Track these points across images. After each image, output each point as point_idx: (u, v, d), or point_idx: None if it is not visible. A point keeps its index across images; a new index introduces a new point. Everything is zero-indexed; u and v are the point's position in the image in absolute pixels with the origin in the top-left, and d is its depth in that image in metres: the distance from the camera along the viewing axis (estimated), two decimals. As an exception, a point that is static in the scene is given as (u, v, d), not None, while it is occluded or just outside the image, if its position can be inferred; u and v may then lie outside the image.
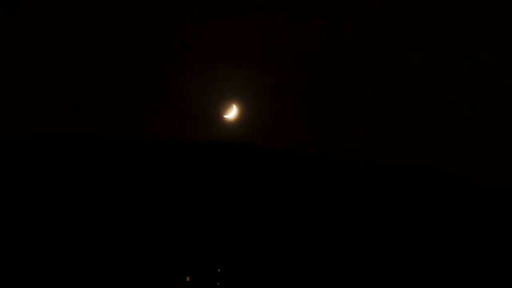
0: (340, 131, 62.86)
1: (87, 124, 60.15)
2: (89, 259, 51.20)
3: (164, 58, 62.57)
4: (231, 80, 61.99)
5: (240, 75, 62.10)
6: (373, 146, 61.97)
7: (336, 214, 58.12)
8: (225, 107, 60.82)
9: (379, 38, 61.80)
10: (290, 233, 56.24)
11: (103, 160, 58.64)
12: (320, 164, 62.78)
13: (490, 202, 59.86)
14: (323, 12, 61.71)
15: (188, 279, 53.04)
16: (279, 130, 63.40)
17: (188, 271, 53.38)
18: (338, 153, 62.53)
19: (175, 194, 57.95)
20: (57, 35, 60.72)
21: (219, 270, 53.49)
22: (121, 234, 53.95)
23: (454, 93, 62.68)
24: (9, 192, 53.55)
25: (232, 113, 60.40)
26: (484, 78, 62.65)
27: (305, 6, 61.76)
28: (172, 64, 62.88)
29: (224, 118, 61.26)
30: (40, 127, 60.27)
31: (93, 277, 50.66)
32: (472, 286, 53.45)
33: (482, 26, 60.47)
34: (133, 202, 56.54)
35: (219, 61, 62.26)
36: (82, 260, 50.96)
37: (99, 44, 61.95)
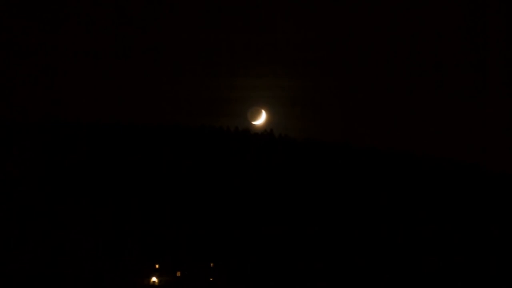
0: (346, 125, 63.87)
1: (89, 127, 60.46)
2: (87, 257, 51.50)
3: (164, 58, 63.12)
4: (231, 79, 62.62)
5: (240, 75, 62.76)
6: (375, 142, 63.22)
7: (339, 208, 58.32)
8: (250, 111, 61.43)
9: (380, 38, 62.29)
10: (289, 232, 56.48)
11: (103, 157, 58.92)
12: (322, 156, 63.12)
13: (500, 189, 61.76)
14: (323, 12, 62.12)
15: (178, 274, 53.47)
16: (278, 127, 63.89)
17: (182, 267, 53.71)
18: (340, 140, 63.92)
19: (175, 192, 58.17)
20: (57, 35, 61.27)
21: (211, 264, 53.96)
22: (120, 233, 54.30)
23: (456, 92, 63.43)
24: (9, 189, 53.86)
25: (258, 117, 60.99)
26: (485, 77, 63.57)
27: (305, 6, 62.24)
28: (172, 64, 63.33)
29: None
30: (40, 127, 60.70)
31: (91, 275, 50.98)
32: (471, 278, 53.98)
33: (482, 26, 60.91)
34: (132, 199, 56.84)
35: (218, 60, 62.84)
36: (79, 256, 51.29)
37: (99, 44, 62.49)
